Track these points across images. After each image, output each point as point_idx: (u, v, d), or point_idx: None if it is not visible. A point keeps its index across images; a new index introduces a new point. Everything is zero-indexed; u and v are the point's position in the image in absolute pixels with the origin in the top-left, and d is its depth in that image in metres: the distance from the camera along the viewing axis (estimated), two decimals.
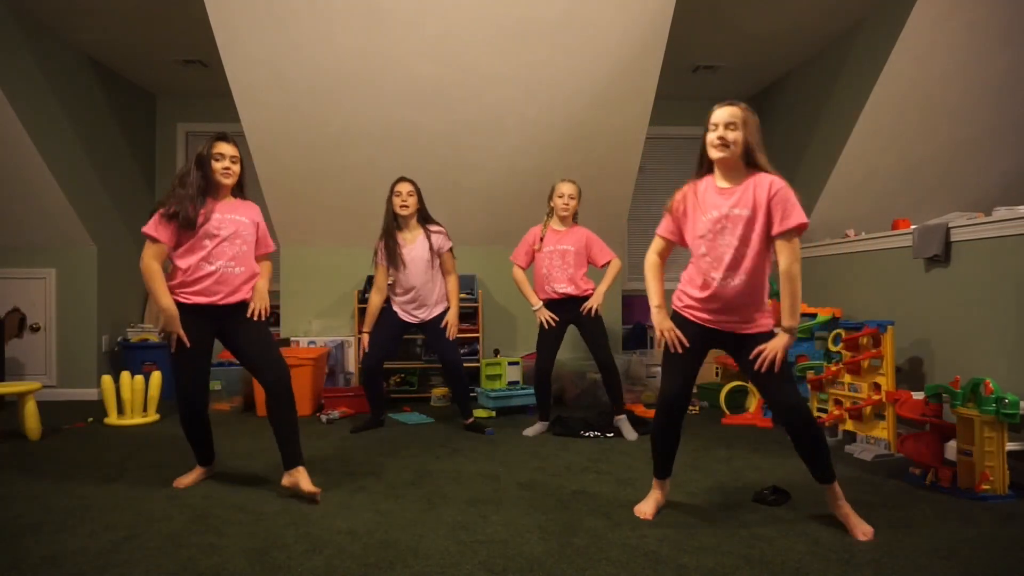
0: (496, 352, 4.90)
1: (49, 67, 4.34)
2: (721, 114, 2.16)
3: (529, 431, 3.64)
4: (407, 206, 3.59)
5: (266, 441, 3.46)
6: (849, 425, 3.21)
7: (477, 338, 4.84)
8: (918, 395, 2.90)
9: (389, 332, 3.70)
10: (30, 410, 3.50)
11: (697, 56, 4.84)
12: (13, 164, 4.22)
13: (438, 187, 4.52)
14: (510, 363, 4.39)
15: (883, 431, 3.03)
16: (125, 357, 4.81)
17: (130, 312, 5.26)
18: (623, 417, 3.62)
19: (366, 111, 4.16)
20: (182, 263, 2.54)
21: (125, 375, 3.97)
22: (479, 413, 4.22)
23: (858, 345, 3.15)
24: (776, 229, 2.10)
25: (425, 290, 3.64)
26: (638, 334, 5.26)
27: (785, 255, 2.10)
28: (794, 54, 4.82)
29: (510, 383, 4.34)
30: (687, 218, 2.30)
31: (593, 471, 2.90)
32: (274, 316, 5.18)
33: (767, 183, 2.12)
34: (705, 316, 2.26)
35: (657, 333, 2.33)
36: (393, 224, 3.62)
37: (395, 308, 3.71)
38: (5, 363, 4.56)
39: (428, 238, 3.64)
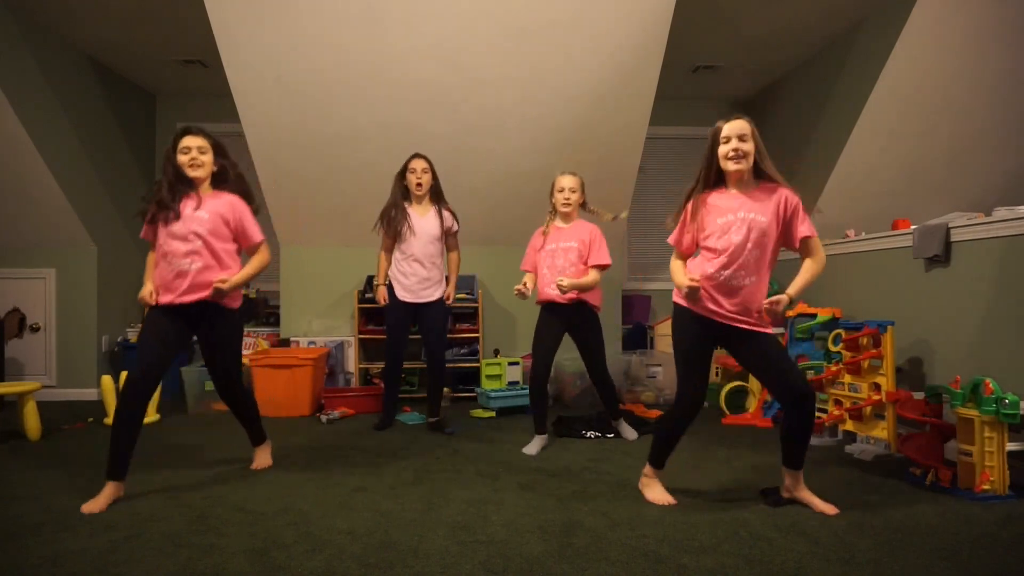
0: (496, 352, 4.90)
1: (49, 67, 4.34)
2: (734, 127, 2.29)
3: (530, 448, 3.27)
4: (422, 184, 3.59)
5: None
6: (849, 425, 3.20)
7: (477, 338, 4.84)
8: (918, 395, 2.90)
9: (401, 320, 3.68)
10: (30, 410, 3.50)
11: (697, 56, 4.84)
12: (13, 164, 4.22)
13: None
14: (510, 363, 4.39)
15: (883, 431, 3.03)
16: (125, 357, 4.81)
17: (130, 312, 5.26)
18: (620, 420, 3.59)
19: (366, 111, 4.16)
20: (156, 262, 2.64)
21: (125, 375, 3.96)
22: (479, 413, 4.22)
23: (858, 345, 3.15)
24: (801, 234, 2.31)
25: (429, 265, 3.62)
26: (638, 334, 5.25)
27: (816, 250, 2.33)
28: (794, 54, 4.82)
29: (510, 383, 4.34)
30: (699, 224, 2.37)
31: (593, 471, 2.90)
32: (273, 317, 5.18)
33: (784, 195, 2.30)
34: (708, 305, 2.33)
35: (683, 288, 2.34)
36: (401, 198, 3.63)
37: (397, 291, 3.66)
38: (5, 363, 4.56)
39: (440, 215, 3.65)
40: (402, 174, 3.66)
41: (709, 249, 2.34)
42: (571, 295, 3.25)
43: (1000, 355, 2.98)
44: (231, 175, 2.71)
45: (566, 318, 3.33)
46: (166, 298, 2.57)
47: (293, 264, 5.01)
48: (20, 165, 4.23)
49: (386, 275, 3.73)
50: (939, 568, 1.88)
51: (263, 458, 2.99)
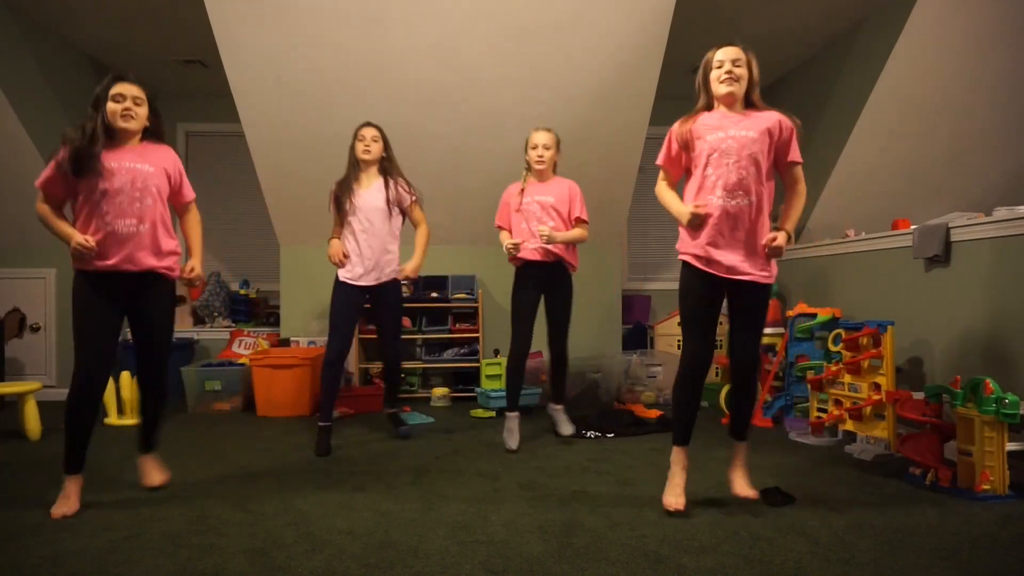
0: (496, 352, 4.90)
1: (49, 67, 4.34)
2: (727, 51, 2.28)
3: (509, 439, 3.22)
4: (369, 151, 3.26)
5: (266, 441, 3.46)
6: (849, 425, 3.20)
7: (477, 338, 4.84)
8: (918, 395, 2.90)
9: (347, 311, 3.28)
10: (30, 410, 3.50)
11: (697, 56, 4.77)
12: (13, 164, 4.23)
13: (438, 188, 4.52)
14: None
15: (883, 431, 3.03)
16: (125, 357, 4.80)
17: None
18: (560, 408, 3.47)
19: (366, 111, 4.14)
20: (79, 223, 2.28)
21: (125, 375, 3.97)
22: (479, 413, 4.22)
23: (858, 345, 3.15)
24: (791, 157, 2.30)
25: (376, 247, 3.25)
26: (638, 334, 5.25)
27: (800, 180, 2.34)
28: (794, 54, 4.82)
29: None
30: (690, 145, 2.32)
31: (593, 471, 2.90)
32: (273, 317, 5.18)
33: (778, 117, 2.28)
34: (711, 254, 2.26)
35: (685, 217, 2.28)
36: (352, 172, 3.32)
37: (342, 276, 3.27)
38: (5, 363, 4.56)
39: (385, 188, 3.27)
40: (351, 145, 3.34)
41: (703, 175, 2.27)
42: (552, 251, 3.18)
43: (1000, 355, 2.98)
44: (162, 133, 2.44)
45: (542, 279, 3.23)
46: (99, 264, 2.24)
47: (293, 264, 5.01)
48: (20, 165, 4.23)
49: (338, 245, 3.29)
50: (939, 568, 1.88)
51: (154, 472, 2.60)
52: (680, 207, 2.33)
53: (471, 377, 4.86)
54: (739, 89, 2.26)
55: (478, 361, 4.71)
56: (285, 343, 4.82)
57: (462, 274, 4.97)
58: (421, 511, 2.37)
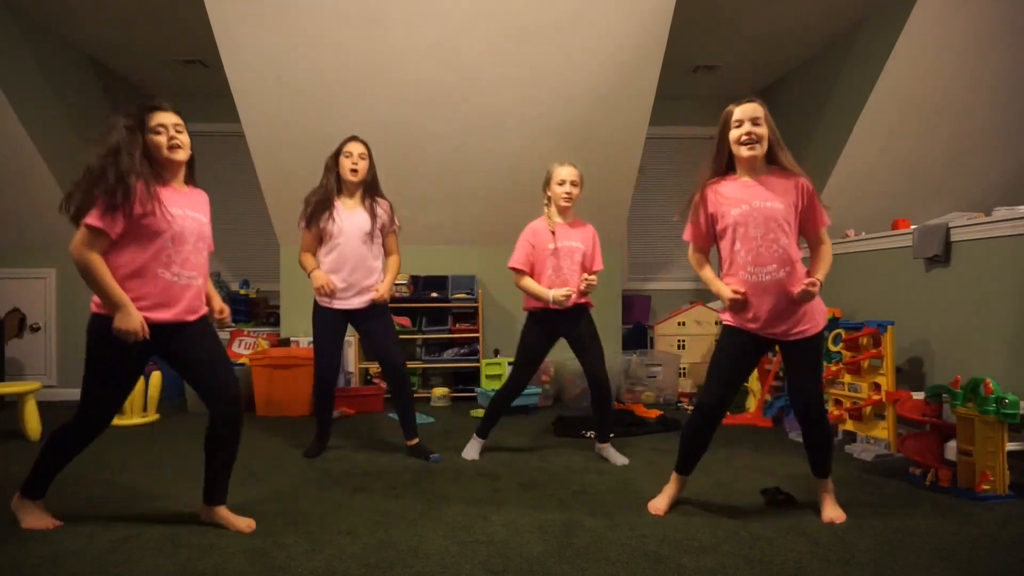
0: (496, 352, 4.90)
1: (49, 67, 4.34)
2: (746, 110, 2.17)
3: (470, 451, 3.12)
4: (357, 169, 3.02)
5: (265, 441, 3.46)
6: (849, 425, 3.20)
7: (477, 338, 4.84)
8: (918, 395, 2.90)
9: (332, 335, 3.10)
10: (30, 410, 3.50)
11: (697, 56, 4.84)
12: (13, 164, 4.22)
13: (438, 188, 4.53)
14: (510, 363, 4.37)
15: (883, 431, 3.03)
16: None
17: None
18: (607, 446, 3.10)
19: (366, 111, 4.16)
20: (124, 261, 2.04)
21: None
22: (479, 413, 4.22)
23: (858, 345, 3.15)
24: (820, 225, 2.26)
25: (361, 271, 3.03)
26: (638, 334, 5.25)
27: (825, 241, 2.29)
28: (794, 54, 4.82)
29: None
30: (713, 217, 2.26)
31: (593, 471, 2.90)
32: (273, 317, 5.18)
33: (798, 181, 2.21)
34: (752, 325, 2.23)
35: (727, 302, 2.23)
36: (333, 187, 3.06)
37: (321, 302, 3.06)
38: (5, 363, 4.56)
39: (372, 209, 3.05)
40: (335, 159, 3.08)
41: (730, 253, 2.23)
42: (579, 301, 2.96)
43: (1000, 355, 2.98)
44: (194, 168, 2.25)
45: (561, 326, 3.01)
46: (153, 317, 2.05)
47: (293, 264, 4.98)
48: (20, 165, 4.23)
49: (315, 265, 3.06)
50: (939, 568, 1.88)
51: (238, 521, 2.22)
52: (721, 287, 2.26)
53: (471, 377, 4.86)
54: (760, 151, 2.17)
55: (478, 361, 4.72)
56: (285, 343, 4.82)
57: (462, 274, 4.97)
58: (421, 511, 2.37)
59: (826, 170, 4.48)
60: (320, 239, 3.04)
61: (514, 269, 3.00)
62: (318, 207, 3.03)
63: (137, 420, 3.92)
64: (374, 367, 4.80)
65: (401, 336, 4.82)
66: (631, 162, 4.58)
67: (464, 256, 5.06)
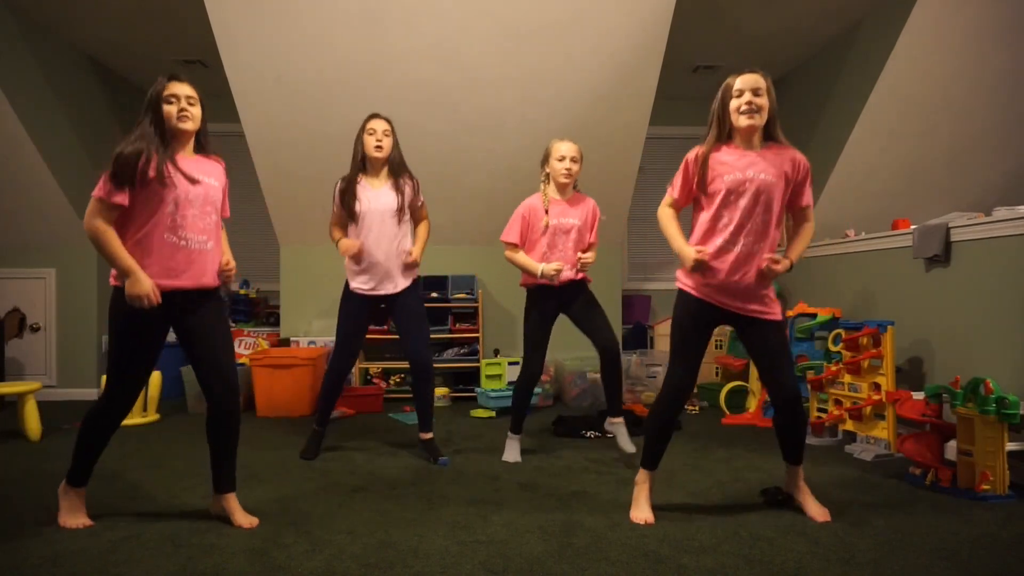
0: (496, 352, 4.90)
1: (49, 67, 4.34)
2: (748, 80, 2.16)
3: (510, 454, 3.07)
4: (381, 146, 2.96)
5: (265, 441, 3.46)
6: (849, 425, 3.20)
7: (477, 338, 4.84)
8: (918, 395, 2.90)
9: (357, 322, 3.06)
10: (30, 410, 3.49)
11: (697, 56, 4.84)
12: (13, 164, 4.22)
13: (438, 188, 4.52)
14: (510, 363, 4.39)
15: (883, 431, 3.03)
16: None
17: None
18: (620, 421, 3.00)
19: (366, 111, 4.11)
20: (134, 230, 2.08)
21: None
22: (479, 413, 4.22)
23: (858, 345, 3.15)
24: (804, 201, 2.26)
25: (391, 254, 2.98)
26: (638, 334, 5.25)
27: (809, 219, 2.30)
28: (794, 54, 4.82)
29: (510, 383, 4.34)
30: (703, 179, 2.22)
31: (593, 471, 2.90)
32: (273, 317, 5.18)
33: (796, 157, 2.21)
34: (713, 291, 2.22)
35: (688, 262, 2.19)
36: (360, 167, 3.02)
37: (354, 286, 3.02)
38: (5, 363, 4.56)
39: (398, 188, 2.99)
40: (359, 138, 3.02)
41: (715, 216, 2.19)
42: (569, 275, 2.92)
43: (1000, 355, 2.98)
44: (207, 137, 2.28)
45: (560, 300, 2.97)
46: (161, 282, 2.07)
47: (293, 264, 5.01)
48: (20, 165, 4.23)
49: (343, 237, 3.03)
50: (939, 568, 1.88)
51: (239, 513, 2.27)
52: (683, 247, 2.23)
53: (471, 377, 4.86)
54: (760, 121, 2.16)
55: (478, 361, 4.72)
56: (285, 343, 4.82)
57: (462, 274, 4.97)
58: (421, 511, 2.37)
59: (826, 170, 4.48)
60: (350, 217, 3.00)
61: (506, 242, 2.99)
62: (347, 187, 3.00)
63: (137, 420, 3.92)
64: (374, 367, 4.80)
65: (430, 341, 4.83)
66: (631, 162, 4.58)
67: (464, 256, 5.06)
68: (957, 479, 2.56)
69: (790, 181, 2.21)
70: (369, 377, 4.81)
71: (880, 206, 4.56)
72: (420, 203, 3.11)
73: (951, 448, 2.61)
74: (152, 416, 4.01)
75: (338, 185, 3.05)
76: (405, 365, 4.81)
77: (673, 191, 2.33)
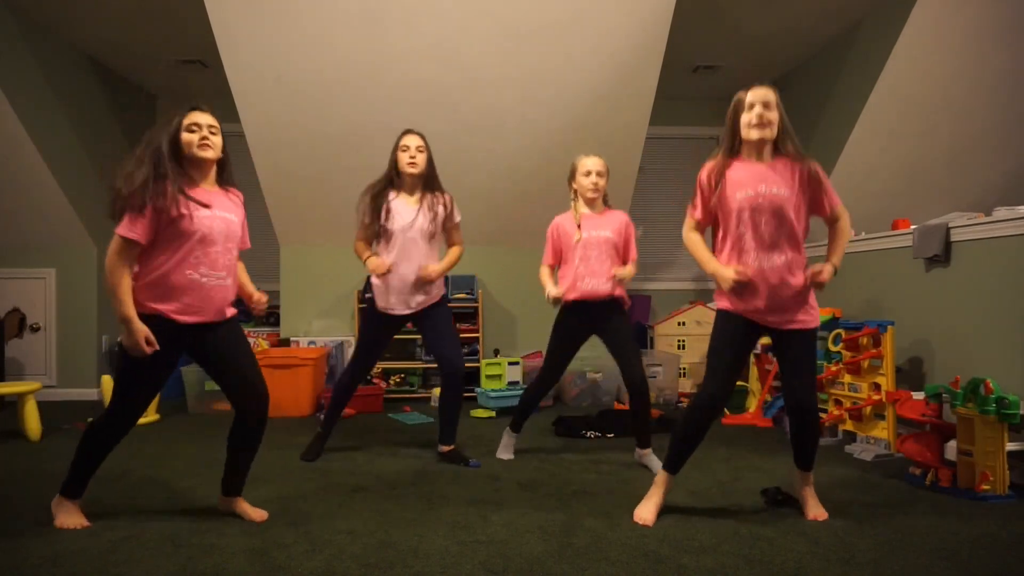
0: (496, 352, 4.90)
1: (49, 67, 4.34)
2: (758, 94, 2.18)
3: (504, 452, 3.12)
4: (415, 163, 2.92)
5: (265, 440, 3.44)
6: (849, 425, 3.21)
7: (477, 338, 4.84)
8: (918, 395, 2.90)
9: (378, 337, 3.08)
10: (30, 410, 3.49)
11: (697, 56, 4.84)
12: (13, 164, 4.22)
13: None
14: (510, 363, 4.39)
15: (883, 431, 3.03)
16: (125, 357, 4.80)
17: None
18: (649, 452, 2.94)
19: (366, 111, 4.16)
20: (152, 264, 2.07)
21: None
22: (479, 413, 4.22)
23: (858, 345, 3.15)
24: (828, 207, 2.25)
25: (417, 267, 2.94)
26: (638, 334, 5.25)
27: (841, 217, 2.29)
28: (794, 54, 4.82)
29: (510, 383, 4.34)
30: (719, 195, 2.22)
31: (593, 471, 2.90)
32: (273, 316, 5.18)
33: (803, 167, 2.20)
34: (751, 310, 2.21)
35: (726, 283, 2.18)
36: (390, 183, 2.99)
37: (379, 304, 3.00)
38: (5, 363, 4.56)
39: (430, 207, 2.95)
40: (393, 154, 3.01)
41: (732, 235, 2.21)
42: (604, 290, 2.88)
43: (1000, 355, 2.98)
44: (230, 169, 2.28)
45: (594, 319, 2.93)
46: (174, 317, 2.08)
47: (293, 264, 5.01)
48: (20, 165, 4.23)
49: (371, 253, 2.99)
50: (939, 568, 1.88)
51: (251, 511, 2.33)
52: (719, 268, 2.22)
53: (471, 377, 4.83)
54: (770, 135, 2.17)
55: (478, 361, 4.71)
56: (285, 343, 4.83)
57: (462, 274, 4.97)
58: (421, 511, 2.37)
59: (826, 170, 4.45)
60: (376, 233, 2.95)
61: (548, 266, 3.04)
62: (377, 200, 2.96)
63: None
64: (374, 367, 4.79)
65: (401, 336, 4.82)
66: (631, 162, 4.58)
67: (464, 256, 5.02)
68: (957, 479, 2.56)
69: (805, 190, 2.20)
70: (369, 377, 4.81)
71: (880, 206, 4.56)
72: (455, 223, 3.08)
73: (951, 448, 2.61)
74: (152, 416, 4.01)
75: (366, 195, 2.99)
76: (405, 365, 4.82)
77: (695, 212, 2.32)
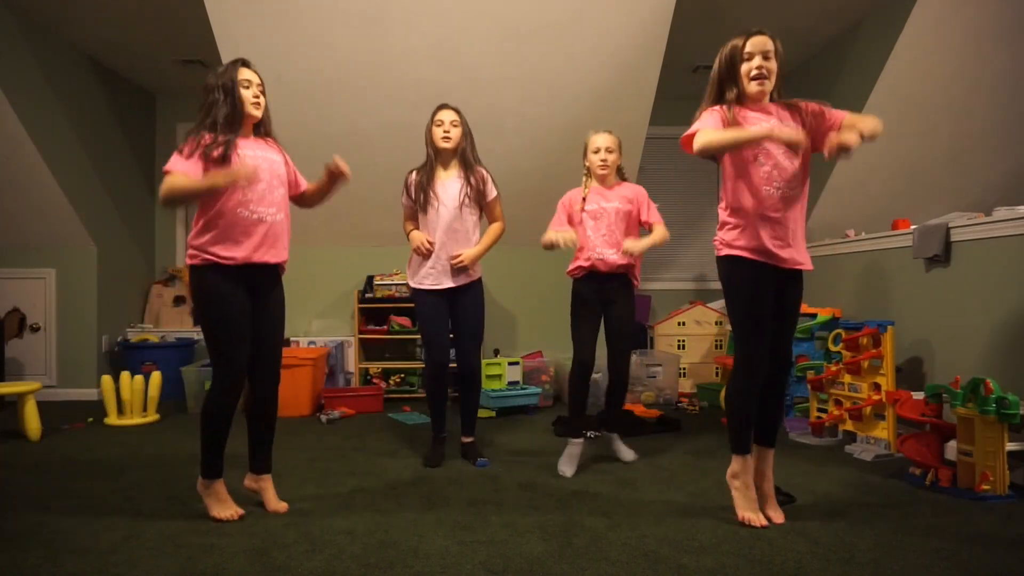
0: (496, 352, 4.90)
1: (49, 67, 4.34)
2: (757, 43, 2.10)
3: (566, 466, 2.87)
4: (449, 136, 2.92)
5: None
6: (849, 425, 3.21)
7: None
8: (918, 395, 2.90)
9: (436, 315, 3.00)
10: (30, 410, 3.49)
11: (697, 56, 4.84)
12: (13, 164, 4.22)
13: None
14: (510, 363, 4.38)
15: (883, 431, 3.03)
16: (125, 357, 4.81)
17: (130, 312, 5.26)
18: (616, 437, 3.10)
19: (366, 111, 4.16)
20: (206, 206, 2.17)
21: (125, 375, 3.97)
22: (479, 413, 4.20)
23: (858, 345, 3.15)
24: (835, 123, 2.10)
25: (456, 244, 2.95)
26: (638, 334, 5.25)
27: (847, 115, 2.12)
28: (794, 54, 4.82)
29: (510, 383, 4.34)
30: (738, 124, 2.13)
31: (593, 471, 2.90)
32: None
33: (799, 106, 2.16)
34: (762, 244, 2.12)
35: (784, 135, 2.02)
36: (432, 159, 3.00)
37: (415, 283, 3.02)
38: (5, 363, 4.56)
39: (467, 180, 2.94)
40: (428, 130, 3.00)
41: (751, 167, 2.11)
42: (614, 259, 2.87)
43: (1000, 355, 2.98)
44: (269, 122, 2.42)
45: (604, 291, 2.91)
46: (236, 254, 2.16)
47: (293, 264, 4.91)
48: (20, 165, 4.23)
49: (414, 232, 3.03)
50: (939, 568, 1.88)
51: (273, 498, 2.39)
52: (763, 130, 2.02)
53: None
54: (770, 87, 2.09)
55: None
56: (285, 343, 4.83)
57: None
58: (421, 511, 2.37)
59: (826, 170, 4.48)
60: (418, 210, 3.00)
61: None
62: (418, 178, 3.00)
63: (137, 420, 3.92)
64: (374, 367, 4.80)
65: (401, 336, 4.83)
66: (631, 162, 4.58)
67: None
68: (957, 479, 2.56)
69: (809, 127, 2.13)
70: (369, 377, 4.81)
71: (880, 206, 4.55)
72: (492, 197, 3.03)
73: (951, 448, 2.61)
74: (152, 416, 4.01)
75: (410, 176, 3.05)
76: (405, 365, 4.82)
77: (703, 124, 2.15)
